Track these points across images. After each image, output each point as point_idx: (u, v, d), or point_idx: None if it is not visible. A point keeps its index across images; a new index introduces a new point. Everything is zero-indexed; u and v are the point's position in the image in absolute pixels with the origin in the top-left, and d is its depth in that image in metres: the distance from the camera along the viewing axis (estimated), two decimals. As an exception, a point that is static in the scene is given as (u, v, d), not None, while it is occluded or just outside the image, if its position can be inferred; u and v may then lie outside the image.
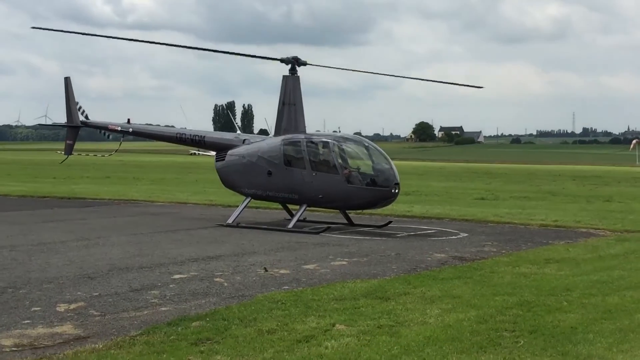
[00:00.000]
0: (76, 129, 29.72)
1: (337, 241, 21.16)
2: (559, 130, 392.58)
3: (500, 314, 11.90)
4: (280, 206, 26.92)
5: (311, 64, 25.46)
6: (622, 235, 23.00)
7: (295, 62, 24.93)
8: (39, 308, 12.18)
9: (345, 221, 25.31)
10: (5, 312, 11.82)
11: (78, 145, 30.38)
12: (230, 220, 24.67)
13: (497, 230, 24.50)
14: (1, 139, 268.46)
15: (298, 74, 25.07)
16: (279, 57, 25.21)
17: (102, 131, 30.38)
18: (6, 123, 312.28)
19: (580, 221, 26.76)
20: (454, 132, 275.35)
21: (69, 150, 30.13)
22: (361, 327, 10.93)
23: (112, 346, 9.90)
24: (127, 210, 29.99)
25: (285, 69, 25.06)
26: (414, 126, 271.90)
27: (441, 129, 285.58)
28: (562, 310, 12.19)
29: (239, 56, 27.43)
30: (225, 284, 14.41)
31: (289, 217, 25.50)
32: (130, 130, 29.08)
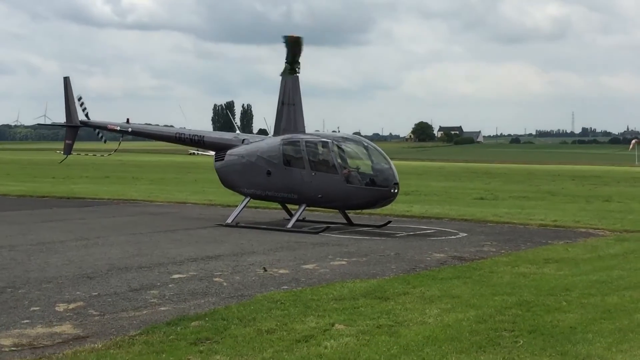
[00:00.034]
0: (75, 129, 29.72)
1: (336, 241, 21.16)
2: (559, 130, 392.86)
3: (500, 313, 11.90)
4: (279, 206, 26.92)
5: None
6: (621, 235, 23.01)
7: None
8: (38, 308, 12.18)
9: (344, 221, 25.31)
10: (5, 312, 11.82)
11: (77, 145, 30.38)
12: (229, 220, 24.67)
13: (496, 230, 24.51)
14: (0, 138, 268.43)
15: (298, 74, 25.05)
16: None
17: (98, 134, 30.36)
18: (5, 123, 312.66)
19: (580, 221, 26.77)
20: (453, 132, 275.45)
21: (68, 150, 30.13)
22: (360, 327, 10.93)
23: (111, 346, 9.90)
24: (126, 210, 29.98)
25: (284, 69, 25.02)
26: (413, 126, 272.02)
27: (440, 128, 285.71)
28: (562, 310, 12.19)
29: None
30: (225, 284, 14.41)
31: (288, 216, 25.50)
32: (130, 130, 29.07)
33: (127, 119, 29.12)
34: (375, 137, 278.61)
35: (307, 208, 24.53)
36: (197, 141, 27.54)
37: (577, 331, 10.87)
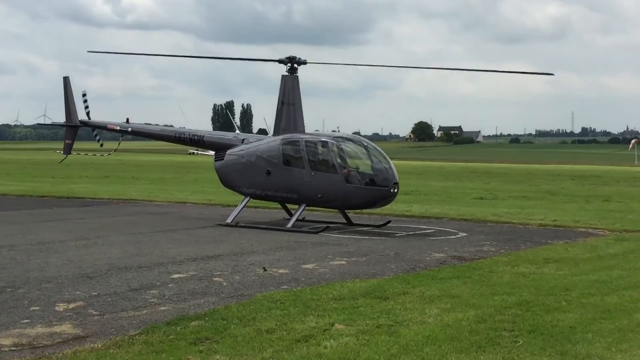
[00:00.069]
0: (75, 129, 29.70)
1: (336, 241, 21.16)
2: (558, 130, 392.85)
3: (499, 313, 11.90)
4: (279, 206, 26.92)
5: (311, 62, 25.46)
6: (621, 235, 23.02)
7: (293, 62, 24.91)
8: (37, 307, 12.17)
9: (344, 221, 25.31)
10: (4, 312, 11.82)
11: (77, 145, 30.36)
12: (229, 220, 24.67)
13: (496, 229, 24.51)
14: (0, 138, 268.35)
15: (297, 74, 25.09)
16: (277, 58, 25.24)
17: (95, 136, 30.33)
18: (5, 122, 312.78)
19: (579, 221, 26.77)
20: (452, 132, 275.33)
21: (67, 150, 30.12)
22: (360, 327, 10.93)
23: (111, 346, 9.90)
24: (126, 210, 29.98)
25: (284, 69, 25.08)
26: (412, 126, 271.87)
27: (440, 128, 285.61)
28: (561, 310, 12.20)
29: (239, 56, 27.45)
30: (224, 284, 14.41)
31: (287, 216, 25.50)
32: (129, 129, 29.06)
33: (127, 119, 29.12)
34: (375, 137, 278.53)
35: (306, 208, 24.53)
36: (196, 141, 27.54)
37: (576, 331, 10.87)
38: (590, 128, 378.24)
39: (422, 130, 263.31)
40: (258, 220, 26.07)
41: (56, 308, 12.17)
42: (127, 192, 38.35)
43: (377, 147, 24.56)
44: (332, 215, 27.12)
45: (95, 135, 30.26)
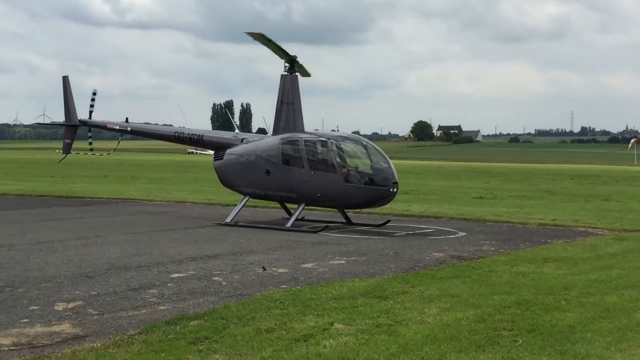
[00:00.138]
0: (74, 128, 29.66)
1: (335, 240, 21.16)
2: (558, 129, 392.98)
3: (499, 313, 11.90)
4: (278, 205, 26.92)
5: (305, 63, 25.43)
6: (620, 235, 23.03)
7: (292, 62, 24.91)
8: (37, 307, 12.17)
9: (343, 220, 25.30)
10: (4, 311, 11.81)
11: (76, 144, 30.34)
12: (228, 219, 24.67)
13: (495, 229, 24.51)
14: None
15: (296, 73, 25.07)
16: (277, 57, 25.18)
17: (89, 137, 30.27)
18: (4, 122, 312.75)
19: (579, 220, 26.78)
20: (452, 131, 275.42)
21: (67, 149, 30.08)
22: (359, 326, 10.92)
23: (110, 345, 9.90)
24: (125, 209, 29.97)
25: (283, 69, 25.04)
26: (412, 125, 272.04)
27: (439, 128, 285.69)
28: (561, 309, 12.20)
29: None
30: (224, 283, 14.40)
31: (287, 216, 25.51)
32: (129, 129, 29.04)
33: (126, 118, 29.10)
34: (375, 136, 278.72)
35: (306, 207, 24.52)
36: (196, 140, 27.53)
37: (576, 330, 10.87)
38: (590, 127, 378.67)
39: (421, 130, 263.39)
40: (257, 219, 26.07)
41: (55, 307, 12.16)
42: (126, 192, 38.35)
43: (377, 147, 24.55)
44: (331, 214, 27.12)
45: (89, 137, 30.15)
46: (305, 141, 24.11)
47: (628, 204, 35.45)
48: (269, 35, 23.74)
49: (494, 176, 65.45)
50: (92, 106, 29.20)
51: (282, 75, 25.00)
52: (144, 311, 12.00)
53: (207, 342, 10.09)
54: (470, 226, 25.11)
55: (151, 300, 12.83)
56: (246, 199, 25.40)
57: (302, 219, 25.07)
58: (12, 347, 9.86)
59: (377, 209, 26.46)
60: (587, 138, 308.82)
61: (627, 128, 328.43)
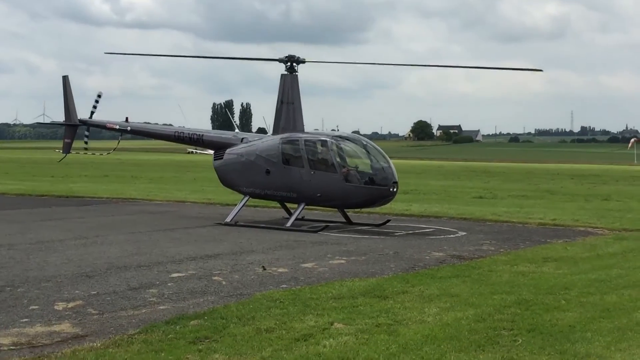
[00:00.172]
0: (74, 128, 29.66)
1: (335, 240, 21.16)
2: (558, 129, 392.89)
3: (499, 312, 11.90)
4: (278, 205, 26.92)
5: (310, 61, 25.44)
6: (620, 234, 23.02)
7: (292, 61, 24.91)
8: (37, 307, 12.17)
9: (343, 220, 25.30)
10: (4, 311, 11.81)
11: (76, 144, 30.35)
12: (228, 219, 24.67)
13: (495, 229, 24.51)
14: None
15: (296, 73, 25.08)
16: (276, 57, 25.21)
17: (86, 136, 30.24)
18: (4, 121, 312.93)
19: (579, 220, 26.77)
20: (452, 131, 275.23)
21: (67, 149, 30.08)
22: (359, 326, 10.92)
23: (110, 345, 9.90)
24: (125, 209, 29.97)
25: (283, 68, 25.07)
26: (412, 125, 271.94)
27: (439, 127, 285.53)
28: (561, 309, 12.20)
29: (238, 55, 27.50)
30: (224, 283, 14.40)
31: (287, 215, 25.50)
32: (129, 128, 29.04)
33: (126, 118, 29.11)
34: (374, 136, 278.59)
35: (306, 207, 24.52)
36: (196, 140, 27.54)
37: (576, 330, 10.87)
38: (590, 127, 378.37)
39: (421, 130, 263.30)
40: (257, 219, 26.07)
41: (55, 307, 12.16)
42: (126, 191, 38.35)
43: (377, 146, 24.55)
44: (331, 214, 27.12)
45: (86, 136, 30.12)
46: (305, 141, 24.10)
47: (628, 203, 35.45)
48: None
49: (493, 176, 65.45)
50: (95, 107, 29.19)
51: (282, 75, 25.00)
52: (144, 311, 12.00)
53: (207, 341, 10.10)
54: (470, 226, 25.11)
55: (151, 299, 12.83)
56: (246, 198, 25.40)
57: (302, 219, 25.07)
58: (12, 347, 9.87)
59: (377, 209, 26.45)
60: (587, 138, 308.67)
61: (627, 128, 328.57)
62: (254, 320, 11.18)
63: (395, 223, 25.40)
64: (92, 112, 29.24)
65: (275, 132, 25.18)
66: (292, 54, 24.97)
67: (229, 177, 25.83)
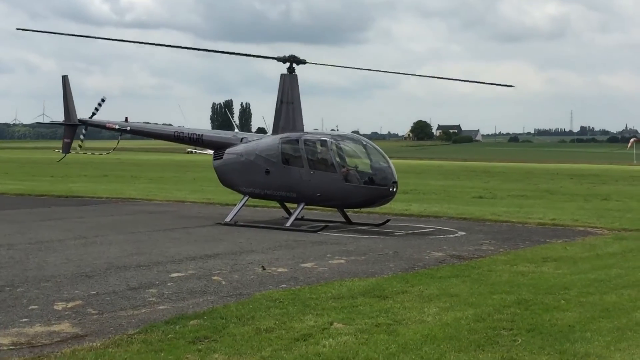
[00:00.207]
0: (74, 127, 29.65)
1: (335, 240, 21.16)
2: (557, 128, 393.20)
3: (498, 312, 11.90)
4: (278, 205, 26.92)
5: (310, 62, 25.45)
6: (619, 234, 23.02)
7: (292, 61, 24.92)
8: (36, 306, 12.16)
9: (343, 220, 25.30)
10: (3, 311, 11.80)
11: (76, 144, 30.32)
12: (228, 219, 24.66)
13: (494, 228, 24.51)
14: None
15: (296, 73, 25.09)
16: (276, 56, 25.21)
17: (82, 135, 30.21)
18: (4, 121, 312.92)
19: (578, 220, 26.77)
20: (451, 131, 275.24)
21: (66, 149, 30.07)
22: (359, 326, 10.92)
23: (109, 344, 9.89)
24: (125, 209, 29.97)
25: (283, 68, 25.09)
26: (411, 125, 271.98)
27: (439, 127, 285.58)
28: (560, 309, 12.20)
29: (237, 55, 27.46)
30: (223, 283, 14.40)
31: (286, 215, 25.50)
32: (128, 128, 29.03)
33: (126, 118, 29.10)
34: (374, 136, 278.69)
35: (305, 207, 24.53)
36: (195, 140, 27.53)
37: (575, 330, 10.87)
38: (589, 127, 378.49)
39: (421, 129, 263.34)
40: (257, 219, 26.06)
41: (55, 307, 12.16)
42: (126, 191, 38.34)
43: (376, 146, 24.54)
44: (331, 214, 27.11)
45: (83, 134, 30.10)
46: (305, 141, 24.10)
47: (627, 203, 35.45)
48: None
49: (493, 176, 65.46)
50: (97, 110, 29.16)
51: (281, 75, 25.00)
52: (144, 311, 12.00)
53: (207, 341, 10.09)
54: (470, 226, 25.11)
55: (151, 299, 12.83)
56: (246, 198, 25.40)
57: (302, 219, 25.07)
58: (11, 347, 9.86)
59: (377, 209, 26.45)
60: (586, 137, 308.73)
61: (626, 127, 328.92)
62: (253, 320, 11.18)
63: (394, 223, 25.40)
64: (93, 114, 29.24)
65: (274, 131, 25.17)
66: (292, 53, 24.96)
67: (228, 177, 25.82)
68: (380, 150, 24.26)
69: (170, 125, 31.46)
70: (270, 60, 25.60)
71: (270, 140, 24.88)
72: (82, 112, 29.46)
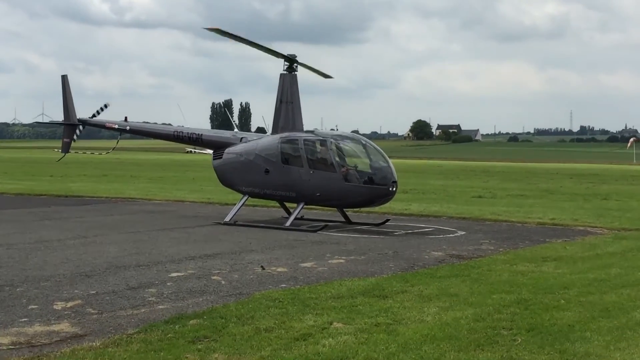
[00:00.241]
0: (73, 127, 29.64)
1: (334, 239, 21.16)
2: (557, 128, 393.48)
3: (498, 312, 11.90)
4: (277, 204, 26.92)
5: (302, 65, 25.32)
6: (619, 234, 23.03)
7: (292, 61, 24.90)
8: (36, 306, 12.16)
9: (342, 219, 25.30)
10: (3, 310, 11.80)
11: (75, 143, 30.32)
12: (227, 219, 24.66)
13: (494, 228, 24.51)
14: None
15: (296, 72, 25.07)
16: (279, 52, 25.06)
17: (78, 133, 30.18)
18: (3, 121, 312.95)
19: (578, 219, 26.78)
20: (451, 131, 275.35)
21: (66, 148, 30.06)
22: (359, 325, 10.92)
23: (109, 344, 9.89)
24: (124, 208, 29.96)
25: (282, 68, 25.03)
26: (411, 124, 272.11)
27: (439, 127, 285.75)
28: (560, 309, 12.19)
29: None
30: (223, 282, 14.40)
31: (286, 215, 25.51)
32: (128, 128, 29.02)
33: (125, 117, 29.10)
34: (374, 136, 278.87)
35: (305, 206, 24.53)
36: (195, 139, 27.53)
37: (575, 329, 10.87)
38: (589, 126, 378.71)
39: (420, 129, 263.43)
40: (256, 218, 26.06)
41: (54, 307, 12.15)
42: (125, 191, 38.34)
43: (376, 146, 24.54)
44: (330, 213, 27.12)
45: (76, 135, 30.06)
46: (305, 140, 24.10)
47: (627, 203, 35.46)
48: (227, 29, 23.71)
49: (493, 175, 65.47)
50: (98, 112, 29.14)
51: (281, 75, 24.99)
52: (143, 310, 11.99)
53: (206, 341, 10.09)
54: (470, 225, 25.11)
55: (150, 299, 12.83)
56: (245, 198, 25.39)
57: (301, 218, 25.07)
58: (11, 347, 9.86)
59: (377, 208, 26.45)
60: (586, 137, 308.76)
61: (626, 127, 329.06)
62: (253, 320, 11.18)
63: (394, 222, 25.40)
64: (94, 115, 29.24)
65: (274, 131, 25.17)
66: (292, 53, 24.94)
67: (228, 177, 25.82)
68: (380, 149, 24.25)
69: (169, 124, 31.44)
70: (270, 60, 25.63)
71: (270, 139, 24.88)
72: (82, 111, 29.50)
